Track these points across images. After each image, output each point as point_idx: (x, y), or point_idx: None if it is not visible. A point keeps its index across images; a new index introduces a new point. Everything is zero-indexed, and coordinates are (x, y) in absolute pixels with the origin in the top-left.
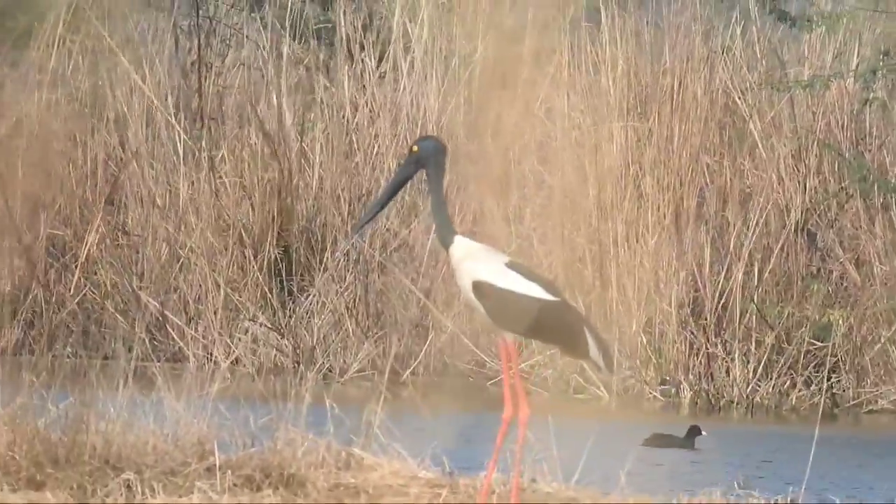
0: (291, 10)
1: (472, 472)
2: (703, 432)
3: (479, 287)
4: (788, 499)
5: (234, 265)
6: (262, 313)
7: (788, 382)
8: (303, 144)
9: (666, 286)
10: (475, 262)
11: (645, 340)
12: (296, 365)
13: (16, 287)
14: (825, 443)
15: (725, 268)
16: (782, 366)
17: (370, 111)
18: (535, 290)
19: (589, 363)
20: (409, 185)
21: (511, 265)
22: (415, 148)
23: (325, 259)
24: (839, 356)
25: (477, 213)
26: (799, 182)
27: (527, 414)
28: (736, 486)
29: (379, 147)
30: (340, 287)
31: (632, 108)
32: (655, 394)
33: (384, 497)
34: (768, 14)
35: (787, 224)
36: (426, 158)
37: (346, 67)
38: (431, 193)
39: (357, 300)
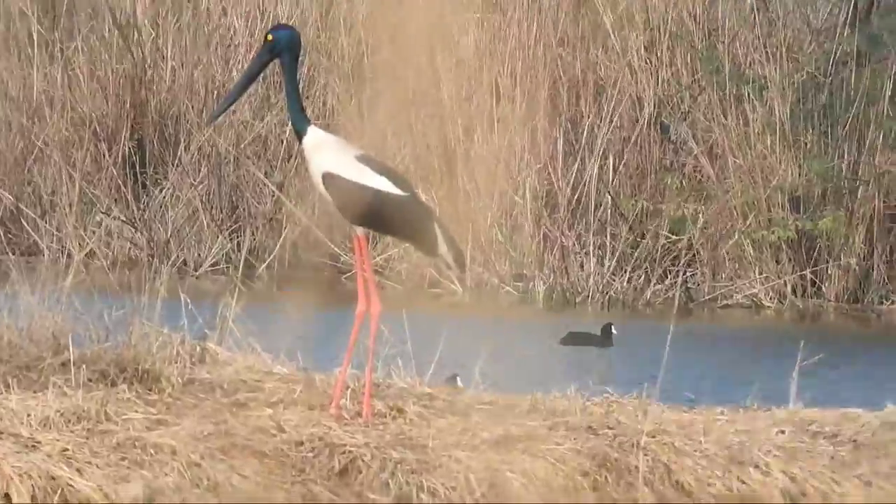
0: None
1: (326, 368)
2: (615, 330)
3: (328, 179)
4: (644, 394)
5: (88, 158)
6: (117, 206)
7: (644, 277)
8: (156, 37)
9: (520, 179)
10: (326, 154)
11: (499, 234)
12: (150, 258)
13: None
14: (680, 337)
15: (579, 160)
16: (637, 260)
17: (223, 3)
18: (385, 184)
19: (439, 261)
20: (262, 78)
21: (362, 158)
22: (269, 37)
23: (179, 152)
24: (695, 250)
25: (330, 106)
26: (651, 74)
27: (379, 309)
28: (590, 382)
29: (232, 40)
30: (194, 180)
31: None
32: (510, 288)
33: (239, 392)
34: None
35: (641, 117)
36: (281, 47)
37: None
38: (286, 83)
39: (211, 194)
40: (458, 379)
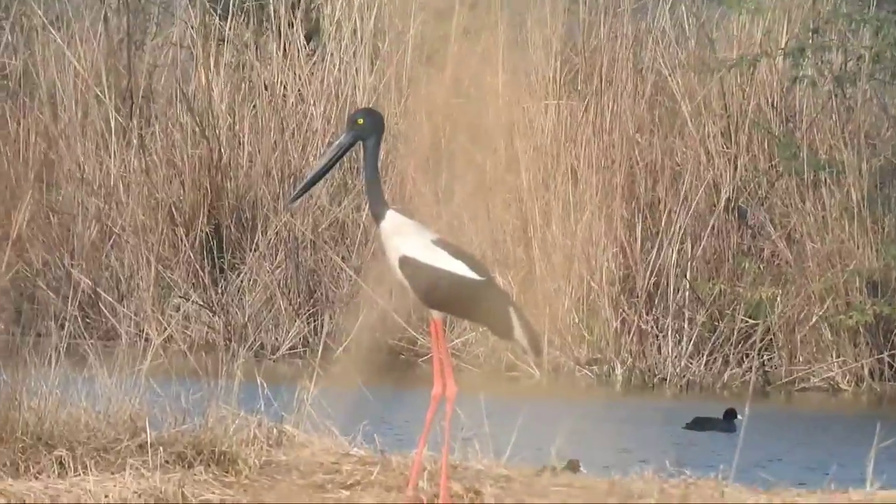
0: None
1: (403, 450)
2: (739, 416)
3: (404, 262)
4: (720, 476)
5: (165, 243)
6: (194, 291)
7: (721, 360)
8: (233, 123)
9: (597, 263)
10: (403, 238)
11: (576, 318)
12: (227, 342)
13: None
14: (757, 420)
15: (657, 245)
16: (714, 343)
17: (300, 89)
18: (461, 268)
19: (514, 344)
20: (339, 164)
21: (438, 242)
22: (360, 120)
23: (256, 237)
24: (772, 334)
25: (408, 191)
26: (729, 160)
27: (454, 391)
28: (667, 464)
29: (309, 125)
30: (272, 265)
31: (564, 85)
32: (587, 371)
33: (316, 474)
34: None
35: (718, 202)
36: (369, 131)
37: (276, 45)
38: (368, 166)
39: (289, 278)
40: (581, 464)
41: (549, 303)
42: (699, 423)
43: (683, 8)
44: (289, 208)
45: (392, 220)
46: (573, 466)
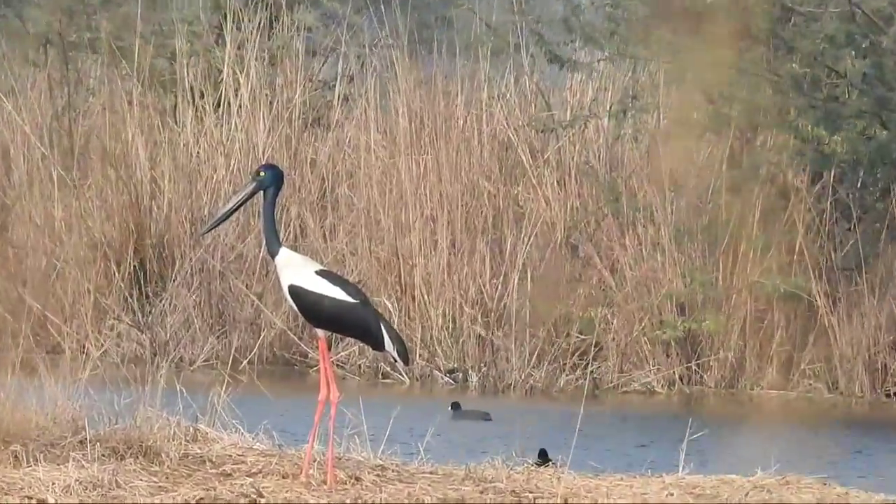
0: (142, 63)
1: (297, 445)
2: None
3: (293, 290)
4: (559, 464)
5: (101, 274)
6: (125, 313)
7: (558, 368)
8: (153, 175)
9: (457, 290)
10: (293, 269)
11: (441, 334)
12: (153, 356)
13: None
14: (588, 417)
15: (503, 274)
16: (552, 354)
17: (209, 146)
18: (338, 293)
19: (386, 355)
20: (243, 208)
21: (321, 273)
22: (262, 173)
23: (175, 269)
24: (601, 346)
25: (298, 231)
26: (562, 203)
27: (337, 396)
28: (514, 454)
29: (216, 175)
30: (188, 292)
31: (423, 144)
32: (448, 378)
33: (225, 465)
34: (544, 58)
35: (554, 238)
36: (269, 183)
37: (189, 110)
38: (265, 211)
39: (203, 302)
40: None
41: (421, 321)
42: (465, 414)
43: (526, 79)
44: (200, 239)
45: (284, 256)
46: (543, 457)
